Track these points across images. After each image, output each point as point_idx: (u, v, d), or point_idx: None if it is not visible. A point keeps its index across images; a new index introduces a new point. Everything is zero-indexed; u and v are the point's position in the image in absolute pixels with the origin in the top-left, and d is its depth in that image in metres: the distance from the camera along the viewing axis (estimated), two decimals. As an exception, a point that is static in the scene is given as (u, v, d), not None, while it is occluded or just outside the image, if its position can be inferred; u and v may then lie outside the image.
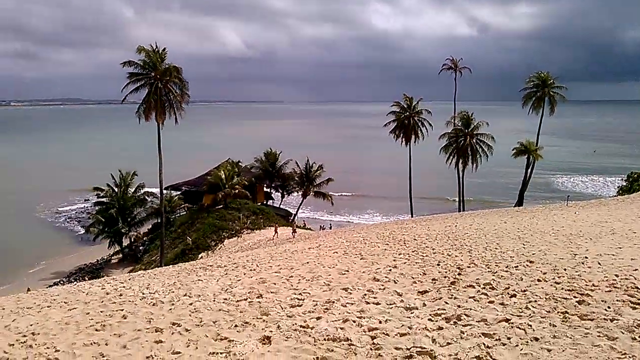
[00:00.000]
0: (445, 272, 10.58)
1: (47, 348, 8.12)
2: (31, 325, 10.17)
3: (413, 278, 10.24)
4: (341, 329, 6.99)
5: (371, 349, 6.11)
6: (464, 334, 6.36)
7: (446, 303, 7.94)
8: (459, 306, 7.66)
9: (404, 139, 58.49)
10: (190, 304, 10.03)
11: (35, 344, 8.48)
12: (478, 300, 7.97)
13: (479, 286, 8.94)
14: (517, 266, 10.55)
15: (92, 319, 9.84)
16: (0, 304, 14.36)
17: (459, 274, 10.15)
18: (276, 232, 40.75)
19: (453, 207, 63.38)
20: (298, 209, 62.33)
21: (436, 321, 7.00)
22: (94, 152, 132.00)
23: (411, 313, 7.55)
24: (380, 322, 7.15)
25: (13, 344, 8.70)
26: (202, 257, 39.59)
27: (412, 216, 55.61)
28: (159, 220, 51.26)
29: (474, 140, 57.13)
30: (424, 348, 5.95)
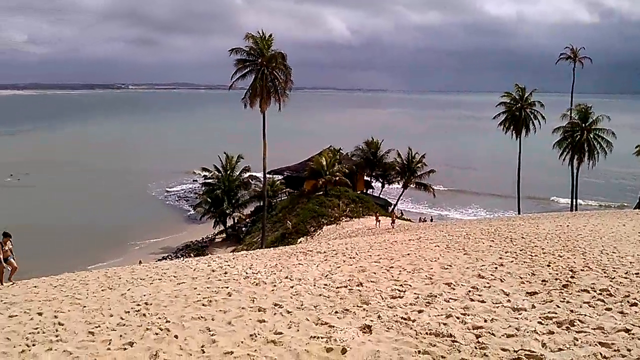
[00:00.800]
0: (557, 274, 9.97)
1: (159, 318, 8.60)
2: (144, 295, 10.84)
3: (521, 278, 9.76)
4: (444, 324, 6.79)
5: (476, 348, 5.87)
6: (577, 340, 5.93)
7: (557, 307, 7.47)
8: (572, 311, 7.17)
9: (514, 132, 55.88)
10: (292, 286, 10.21)
11: (148, 314, 9.02)
12: (594, 307, 7.41)
13: (595, 291, 8.31)
14: (639, 273, 9.71)
15: (199, 294, 10.31)
16: (117, 273, 15.49)
17: (572, 277, 9.53)
18: (378, 220, 40.50)
19: (558, 209, 59.93)
20: (398, 199, 61.68)
21: (546, 325, 6.59)
22: (203, 135, 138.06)
23: (519, 314, 7.19)
24: (485, 321, 6.87)
25: (129, 312, 9.33)
26: (301, 241, 40.34)
27: (519, 211, 53.20)
28: (261, 204, 52.81)
29: (592, 136, 53.22)
30: (533, 352, 5.62)
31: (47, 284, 14.41)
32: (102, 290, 12.16)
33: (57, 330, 8.32)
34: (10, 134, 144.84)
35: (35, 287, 13.92)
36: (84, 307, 10.11)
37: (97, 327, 8.37)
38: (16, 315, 9.77)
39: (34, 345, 7.59)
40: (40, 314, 9.77)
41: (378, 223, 39.95)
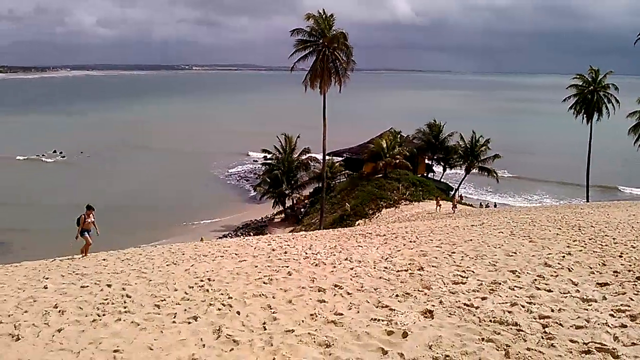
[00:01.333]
0: (630, 265, 9.46)
1: (221, 294, 8.80)
2: (207, 271, 11.14)
3: (590, 268, 9.34)
4: (509, 312, 6.58)
5: (542, 338, 5.65)
6: (654, 336, 5.60)
7: (631, 299, 7.08)
8: (647, 305, 6.78)
9: (584, 116, 53.23)
10: (351, 268, 10.20)
11: (211, 289, 9.24)
12: (672, 301, 6.98)
13: (673, 286, 7.83)
14: None
15: (260, 272, 10.48)
16: (181, 249, 15.99)
17: (647, 269, 9.01)
18: (439, 205, 39.84)
19: (627, 198, 56.91)
20: (460, 184, 60.40)
21: (619, 318, 6.26)
22: (263, 116, 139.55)
23: (589, 305, 6.87)
24: (552, 311, 6.60)
25: (192, 287, 9.59)
26: (359, 224, 40.28)
27: (587, 199, 51.00)
28: (320, 185, 52.96)
29: (671, 121, 49.97)
30: (605, 345, 5.35)
31: (115, 257, 15.05)
32: (167, 265, 12.57)
33: (125, 302, 8.66)
34: (81, 113, 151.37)
35: (104, 260, 14.56)
36: (150, 280, 10.48)
37: (162, 300, 8.65)
38: (87, 286, 10.24)
39: (104, 315, 7.92)
40: (109, 285, 10.21)
41: (439, 207, 39.30)
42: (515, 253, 11.12)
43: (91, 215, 16.33)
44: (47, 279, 11.52)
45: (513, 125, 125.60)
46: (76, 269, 12.83)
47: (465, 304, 7.02)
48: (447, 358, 5.18)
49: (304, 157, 57.62)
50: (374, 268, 10.09)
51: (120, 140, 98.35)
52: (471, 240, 13.84)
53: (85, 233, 16.13)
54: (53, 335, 6.97)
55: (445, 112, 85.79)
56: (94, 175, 71.21)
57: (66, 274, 12.09)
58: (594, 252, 11.02)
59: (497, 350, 5.40)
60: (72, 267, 13.39)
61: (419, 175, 57.27)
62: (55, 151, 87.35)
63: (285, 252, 13.19)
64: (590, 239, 12.93)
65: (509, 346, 5.45)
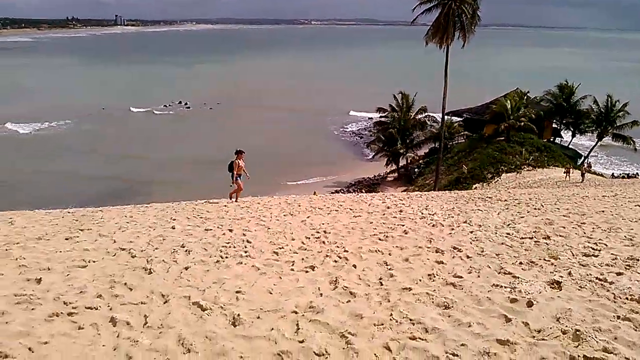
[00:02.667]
0: None
1: (337, 247, 8.88)
2: (323, 224, 11.30)
3: None
4: (648, 291, 5.98)
5: (689, 322, 5.08)
6: None
7: None
8: None
9: None
10: (471, 232, 9.85)
11: (327, 241, 9.37)
12: None
13: None
14: None
15: (375, 229, 10.45)
16: (297, 201, 16.38)
17: None
18: (568, 172, 37.38)
19: None
20: (590, 151, 56.12)
21: None
22: (380, 73, 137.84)
23: None
24: (702, 293, 5.91)
25: (309, 238, 9.78)
26: (476, 187, 39.01)
27: None
28: (437, 145, 51.74)
29: None
30: None
31: (235, 204, 15.74)
32: (284, 215, 12.92)
33: (245, 247, 9.02)
34: (201, 65, 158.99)
35: (225, 206, 15.28)
36: (269, 228, 10.83)
37: (280, 248, 8.91)
38: (211, 229, 10.81)
39: (227, 257, 8.31)
40: (230, 230, 10.69)
41: (568, 175, 36.84)
42: (656, 228, 10.12)
43: (241, 159, 16.82)
44: (174, 220, 12.31)
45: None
46: (200, 213, 13.58)
47: (597, 278, 6.50)
48: (577, 332, 4.83)
49: (420, 115, 56.30)
50: (496, 233, 9.67)
51: (239, 94, 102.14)
52: (603, 211, 12.84)
53: (238, 178, 16.70)
54: (181, 272, 7.42)
55: (577, 73, 79.37)
56: (215, 125, 74.97)
57: (191, 217, 12.84)
58: None
59: (636, 330, 4.94)
60: (196, 210, 14.20)
61: (544, 140, 53.91)
62: (180, 102, 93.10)
63: (401, 211, 13.04)
64: None
65: (649, 327, 4.96)
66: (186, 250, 8.77)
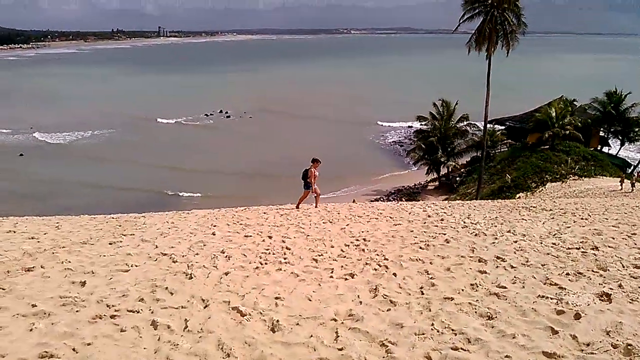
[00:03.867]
0: None
1: (377, 255, 8.79)
2: (362, 232, 11.22)
3: None
4: None
5: None
6: None
7: None
8: None
9: None
10: (515, 241, 9.60)
11: (367, 249, 9.28)
12: None
13: None
14: None
15: (416, 237, 10.30)
16: (336, 209, 16.34)
17: None
18: (622, 182, 36.07)
19: None
20: (640, 161, 54.36)
21: None
22: (421, 81, 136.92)
23: None
24: None
25: (348, 245, 9.72)
26: (520, 197, 38.18)
27: None
28: (479, 154, 50.94)
29: None
30: None
31: (275, 211, 15.81)
32: (323, 222, 12.89)
33: (285, 254, 9.02)
34: (242, 74, 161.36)
35: (264, 213, 15.36)
36: (308, 236, 10.81)
37: (319, 255, 8.87)
38: (250, 236, 10.86)
39: (266, 264, 8.32)
40: (270, 237, 10.72)
41: (622, 184, 35.54)
42: None
43: (317, 168, 16.81)
44: (215, 226, 12.43)
45: None
46: (240, 220, 13.68)
47: (650, 291, 6.22)
48: (629, 347, 4.62)
49: (462, 124, 55.58)
50: (541, 243, 9.38)
51: (278, 103, 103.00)
52: (655, 222, 12.33)
53: (312, 186, 16.72)
54: (221, 278, 7.47)
55: (627, 81, 76.94)
56: (255, 136, 75.88)
57: (231, 223, 12.93)
58: None
59: (693, 346, 4.69)
60: (236, 217, 14.31)
61: (591, 149, 52.39)
62: (221, 111, 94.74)
63: (442, 220, 12.83)
64: None
65: None
66: (226, 256, 8.83)
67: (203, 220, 13.81)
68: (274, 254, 9.05)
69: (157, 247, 9.79)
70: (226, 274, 7.67)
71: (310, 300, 6.41)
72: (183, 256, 8.90)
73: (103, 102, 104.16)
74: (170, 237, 10.95)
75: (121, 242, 10.35)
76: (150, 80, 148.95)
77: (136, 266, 8.21)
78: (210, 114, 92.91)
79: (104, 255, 8.97)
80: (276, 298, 6.46)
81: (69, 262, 8.42)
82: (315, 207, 16.81)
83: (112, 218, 14.70)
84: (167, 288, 6.95)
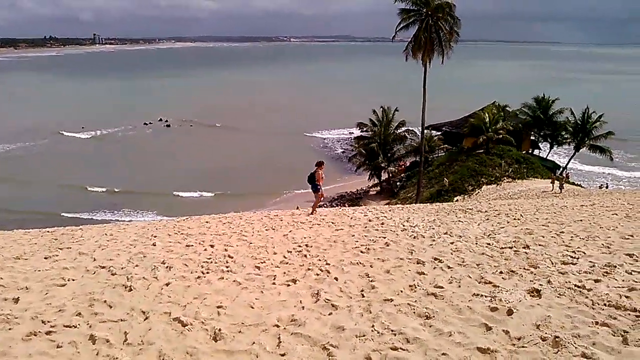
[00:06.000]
0: None
1: (319, 260, 8.89)
2: (305, 237, 11.30)
3: None
4: (626, 297, 6.06)
5: (668, 327, 5.16)
6: None
7: None
8: None
9: None
10: (451, 242, 9.92)
11: (309, 255, 9.37)
12: None
13: None
14: None
15: (357, 241, 10.48)
16: (278, 216, 16.33)
17: None
18: (553, 183, 37.62)
19: None
20: (568, 162, 57.05)
21: None
22: (360, 88, 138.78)
23: None
24: (679, 298, 6.01)
25: (291, 252, 9.77)
26: (457, 200, 39.30)
27: None
28: (418, 159, 52.07)
29: None
30: None
31: (217, 220, 15.65)
32: (266, 230, 12.88)
33: (227, 262, 8.98)
34: (181, 81, 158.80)
35: (207, 222, 15.19)
36: (250, 243, 10.79)
37: (262, 262, 8.88)
38: (192, 245, 10.73)
39: (208, 273, 8.26)
40: (212, 246, 10.63)
41: (553, 184, 37.11)
42: (632, 236, 10.27)
43: (322, 170, 16.45)
44: (155, 237, 12.20)
45: (630, 101, 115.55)
46: (181, 229, 13.48)
47: (576, 286, 6.58)
48: (556, 339, 4.88)
49: (400, 130, 56.68)
50: (476, 244, 9.75)
51: (218, 111, 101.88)
52: (581, 220, 13.03)
53: (320, 188, 16.34)
54: (162, 289, 7.36)
55: (554, 86, 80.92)
56: (195, 145, 74.76)
57: (172, 234, 12.73)
58: None
59: (614, 335, 5.00)
60: (177, 227, 14.09)
61: (523, 152, 54.60)
62: (160, 119, 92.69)
63: (382, 223, 13.08)
64: None
65: (627, 332, 5.03)
66: (167, 267, 8.70)
67: (143, 231, 13.52)
68: (216, 262, 8.99)
69: (95, 259, 9.55)
70: (167, 284, 7.57)
71: (252, 308, 6.41)
72: (122, 268, 8.71)
73: (22, 113, 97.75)
74: (109, 249, 10.69)
75: (57, 255, 10.03)
76: (79, 88, 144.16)
77: (73, 280, 7.99)
78: (150, 123, 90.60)
79: (39, 270, 8.68)
80: (218, 307, 6.43)
81: (1, 278, 8.07)
82: (312, 213, 16.48)
83: (48, 232, 14.17)
84: (105, 301, 6.80)
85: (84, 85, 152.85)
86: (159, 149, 72.48)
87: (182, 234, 12.69)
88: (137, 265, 8.92)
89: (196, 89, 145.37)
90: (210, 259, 9.31)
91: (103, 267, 8.80)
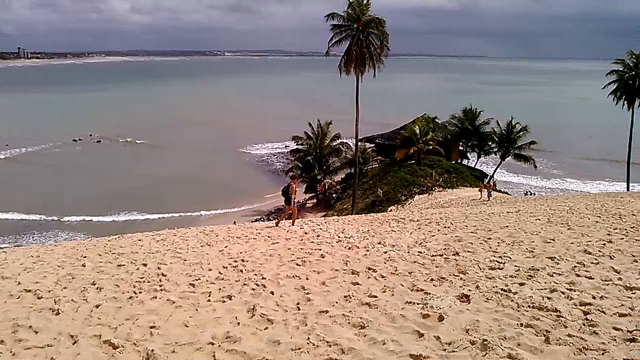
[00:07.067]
0: (677, 254, 9.12)
1: (255, 274, 8.85)
2: (240, 252, 11.21)
3: (633, 256, 9.01)
4: (548, 298, 6.40)
5: (584, 325, 5.48)
6: None
7: (680, 289, 6.81)
8: (699, 295, 6.50)
9: (626, 102, 51.19)
10: (385, 252, 10.13)
11: (245, 270, 9.31)
12: None
13: None
14: None
15: (293, 254, 10.50)
16: (214, 231, 16.12)
17: (697, 259, 8.67)
18: (482, 191, 38.94)
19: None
20: (495, 171, 59.49)
21: (666, 307, 6.02)
22: (295, 102, 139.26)
23: (632, 293, 6.62)
24: (594, 298, 6.40)
25: (226, 267, 9.67)
26: (391, 210, 40.07)
27: (628, 187, 49.64)
28: (352, 171, 52.78)
29: None
30: (651, 334, 5.15)
31: (151, 238, 15.26)
32: (201, 246, 12.68)
33: (160, 281, 8.77)
34: (109, 94, 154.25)
35: (139, 240, 14.78)
36: (185, 260, 10.59)
37: (197, 279, 8.74)
38: (124, 265, 10.41)
39: (140, 292, 8.04)
40: (145, 264, 10.35)
41: (481, 192, 38.44)
42: (553, 240, 10.86)
43: (296, 183, 16.36)
44: (85, 257, 11.76)
45: (550, 110, 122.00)
46: (113, 249, 13.06)
47: (502, 290, 6.88)
48: (484, 342, 5.08)
49: (335, 142, 57.33)
50: (408, 252, 10.00)
51: (150, 126, 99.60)
52: (507, 226, 13.61)
53: (293, 202, 16.23)
54: (91, 311, 7.11)
55: (479, 98, 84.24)
56: (128, 161, 72.64)
57: (103, 253, 12.31)
58: (636, 240, 10.66)
59: (537, 335, 5.27)
60: (108, 246, 13.63)
61: (452, 162, 56.53)
62: (91, 135, 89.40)
63: (318, 236, 13.18)
64: (632, 228, 12.52)
65: (549, 332, 5.30)
66: (97, 288, 8.41)
67: (72, 251, 13.00)
68: (148, 282, 8.77)
69: (19, 283, 9.11)
70: (97, 306, 7.32)
71: (186, 326, 6.30)
72: (49, 291, 8.35)
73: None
74: (35, 271, 10.22)
75: (-24, 281, 9.44)
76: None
77: (-6, 306, 7.55)
78: (79, 140, 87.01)
79: (-45, 299, 8.14)
80: (151, 327, 6.27)
81: None
82: (292, 224, 16.46)
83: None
84: (31, 326, 6.50)
85: (4, 100, 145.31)
86: (88, 166, 69.74)
87: (113, 253, 12.29)
88: (65, 288, 8.58)
89: (126, 104, 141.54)
90: (142, 278, 9.06)
91: (28, 291, 8.41)
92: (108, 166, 69.37)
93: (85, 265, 10.54)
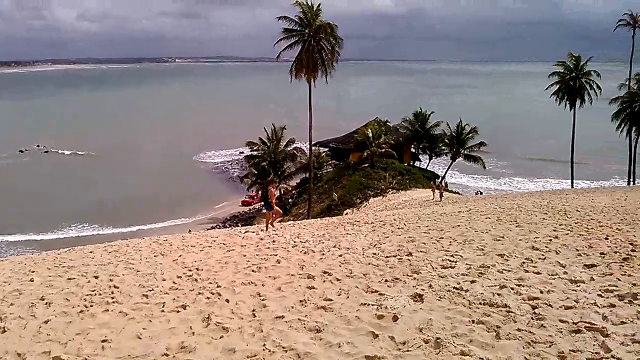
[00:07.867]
0: (616, 247, 9.56)
1: (210, 283, 8.74)
2: (195, 261, 11.06)
3: (577, 250, 9.41)
4: (498, 294, 6.59)
5: (532, 319, 5.67)
6: (642, 314, 5.63)
7: (618, 280, 7.13)
8: (634, 284, 6.82)
9: (568, 103, 53.37)
10: (340, 255, 10.19)
11: (200, 279, 9.18)
12: (659, 281, 7.03)
13: (659, 266, 7.90)
14: None
15: (248, 261, 10.43)
16: (168, 241, 15.86)
17: (633, 251, 9.09)
18: (434, 191, 39.56)
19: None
20: (446, 171, 60.76)
21: (607, 297, 6.30)
22: (248, 107, 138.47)
23: (577, 286, 6.90)
24: (541, 292, 6.63)
25: (180, 277, 9.52)
26: (347, 213, 40.35)
27: (572, 185, 51.63)
28: (307, 175, 52.93)
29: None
30: (594, 324, 5.37)
31: (102, 249, 14.87)
32: (155, 256, 12.44)
33: (112, 293, 8.56)
34: (53, 102, 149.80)
35: (91, 252, 14.38)
36: (138, 271, 10.37)
37: (150, 290, 8.56)
38: (74, 278, 10.10)
39: (91, 306, 7.82)
40: (96, 277, 10.07)
41: (434, 192, 39.08)
42: (502, 237, 11.19)
43: (275, 188, 16.50)
44: (33, 272, 11.36)
45: (504, 112, 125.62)
46: (62, 262, 12.66)
47: (454, 288, 7.04)
48: (438, 340, 5.18)
49: (290, 147, 57.32)
50: (363, 255, 10.09)
51: (100, 136, 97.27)
52: (459, 226, 13.92)
53: (271, 206, 16.47)
54: (40, 327, 6.88)
55: (430, 101, 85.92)
56: (76, 172, 70.61)
57: (52, 267, 11.93)
58: (580, 235, 11.12)
59: (488, 331, 5.41)
60: (58, 260, 13.22)
61: (405, 164, 57.42)
62: (38, 145, 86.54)
63: (274, 241, 13.14)
64: (576, 223, 13.04)
65: (499, 327, 5.46)
66: (46, 303, 8.14)
67: (19, 266, 12.53)
68: (100, 294, 8.54)
69: (-40, 302, 8.67)
70: (46, 322, 7.08)
71: (140, 338, 6.16)
72: (-6, 309, 8.01)
73: None
74: (-22, 289, 9.75)
75: None
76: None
77: None
78: (25, 150, 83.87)
79: None
80: (103, 341, 6.11)
81: None
82: (272, 225, 16.72)
83: None
84: (-27, 348, 6.20)
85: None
86: (36, 179, 67.34)
87: (63, 266, 11.91)
88: (12, 304, 8.26)
89: (73, 113, 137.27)
90: (94, 291, 8.82)
91: (-29, 310, 8.04)
92: (57, 179, 67.30)
93: (33, 280, 10.18)
